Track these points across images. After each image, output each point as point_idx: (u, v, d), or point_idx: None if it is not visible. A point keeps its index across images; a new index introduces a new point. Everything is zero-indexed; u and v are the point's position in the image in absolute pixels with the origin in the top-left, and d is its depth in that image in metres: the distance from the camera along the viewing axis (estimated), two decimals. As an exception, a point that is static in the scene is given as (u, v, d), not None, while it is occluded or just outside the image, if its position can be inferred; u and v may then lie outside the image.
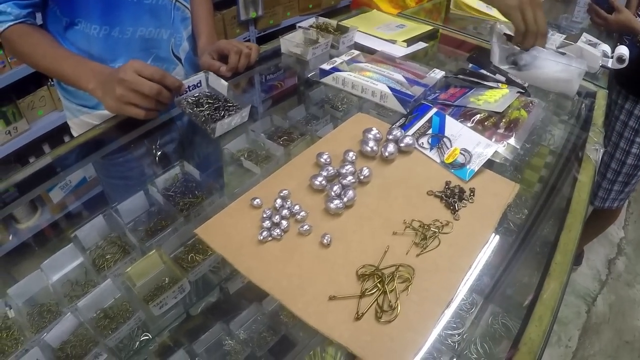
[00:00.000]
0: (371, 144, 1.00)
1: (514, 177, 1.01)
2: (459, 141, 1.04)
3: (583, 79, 1.31)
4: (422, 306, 0.74)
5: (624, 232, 3.18)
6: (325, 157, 0.98)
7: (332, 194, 0.89)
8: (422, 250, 0.82)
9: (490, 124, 1.09)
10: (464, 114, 1.12)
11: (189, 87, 1.19)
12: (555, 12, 2.26)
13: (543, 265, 0.84)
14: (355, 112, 1.19)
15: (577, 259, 2.85)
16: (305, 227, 0.84)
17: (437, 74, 1.27)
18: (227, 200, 0.95)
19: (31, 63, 1.19)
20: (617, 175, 2.22)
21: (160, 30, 1.28)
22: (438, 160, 1.01)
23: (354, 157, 0.98)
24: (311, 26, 1.53)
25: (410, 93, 1.17)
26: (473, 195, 0.93)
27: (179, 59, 1.37)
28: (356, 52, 1.37)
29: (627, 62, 1.45)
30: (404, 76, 1.24)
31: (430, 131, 1.07)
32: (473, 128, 1.08)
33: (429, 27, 1.67)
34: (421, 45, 1.59)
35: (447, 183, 0.95)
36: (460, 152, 1.00)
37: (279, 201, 0.89)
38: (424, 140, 1.05)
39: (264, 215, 0.86)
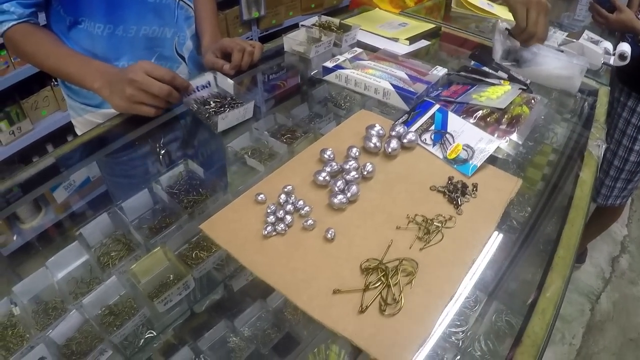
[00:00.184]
0: (374, 140, 1.01)
1: (516, 175, 1.01)
2: (462, 137, 1.04)
3: (585, 76, 1.32)
4: (426, 299, 0.74)
5: (628, 230, 3.18)
6: (328, 153, 0.98)
7: (336, 189, 0.90)
8: (426, 245, 0.82)
9: (493, 120, 1.10)
10: (466, 111, 1.13)
11: (197, 87, 1.20)
12: (558, 10, 2.25)
13: (546, 262, 0.84)
14: (358, 110, 1.20)
15: (581, 257, 2.84)
16: (309, 222, 0.85)
17: (440, 71, 1.27)
18: (231, 197, 0.95)
19: (35, 62, 1.20)
20: (619, 173, 2.22)
21: (163, 28, 1.29)
22: (441, 156, 1.02)
23: (357, 153, 0.99)
24: (314, 25, 1.53)
25: (412, 90, 1.17)
26: (476, 190, 0.93)
27: (183, 58, 1.38)
28: (359, 50, 1.38)
29: (629, 59, 1.45)
30: (406, 73, 1.24)
31: (432, 127, 1.07)
32: (475, 124, 1.09)
33: (432, 25, 1.68)
34: (424, 43, 1.59)
35: (450, 178, 0.95)
36: (462, 148, 1.01)
37: (283, 196, 0.89)
38: (427, 136, 1.06)
39: (268, 211, 0.87)
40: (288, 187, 0.91)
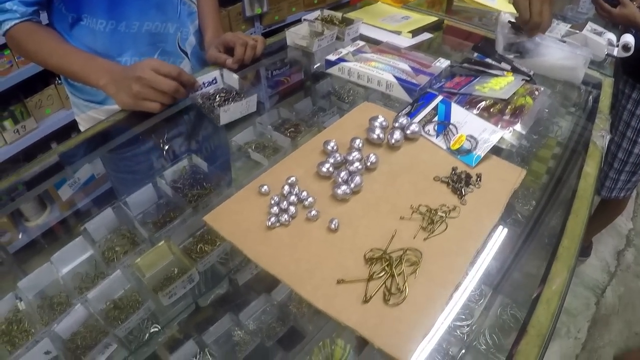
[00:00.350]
0: (377, 131, 1.01)
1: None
2: (465, 128, 1.04)
3: (589, 67, 1.31)
4: (430, 289, 0.74)
5: (633, 224, 3.17)
6: (332, 144, 0.98)
7: (340, 180, 0.90)
8: (430, 235, 0.82)
9: (496, 110, 1.10)
10: (469, 102, 1.13)
11: (204, 83, 1.21)
12: (561, 3, 2.24)
13: (551, 253, 0.84)
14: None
15: (586, 251, 2.83)
16: (313, 212, 0.85)
17: (443, 63, 1.27)
18: (235, 191, 0.95)
19: (38, 61, 1.20)
20: (624, 165, 2.21)
21: (166, 24, 1.29)
22: (444, 147, 1.02)
23: (360, 145, 0.98)
24: (316, 19, 1.53)
25: (415, 82, 1.17)
26: (479, 180, 0.93)
27: (186, 53, 1.38)
28: (361, 43, 1.38)
29: (632, 50, 1.45)
30: (409, 66, 1.24)
31: (436, 118, 1.07)
32: (479, 115, 1.08)
33: (434, 18, 1.68)
34: (426, 36, 1.59)
35: (454, 169, 0.95)
36: (466, 139, 1.01)
37: (286, 188, 0.90)
38: (430, 127, 1.05)
39: (272, 202, 0.87)
40: (291, 179, 0.91)
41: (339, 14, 1.56)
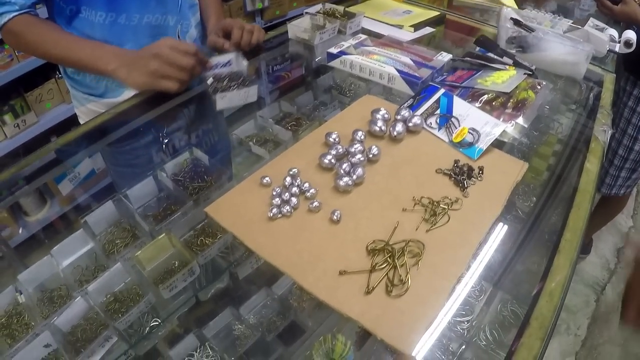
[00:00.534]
0: (379, 123, 1.01)
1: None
2: (467, 121, 1.03)
3: (591, 63, 1.31)
4: (433, 280, 0.74)
5: (633, 221, 3.16)
6: (334, 136, 0.98)
7: (341, 171, 0.89)
8: (432, 227, 0.82)
9: (498, 104, 1.09)
10: (471, 95, 1.12)
11: (218, 64, 1.20)
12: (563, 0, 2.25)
13: (551, 252, 0.84)
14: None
15: (586, 248, 2.83)
16: (315, 204, 0.84)
17: (445, 57, 1.27)
18: (236, 184, 0.95)
19: (41, 52, 1.19)
20: (624, 162, 2.21)
21: (166, 16, 1.29)
22: (446, 140, 1.01)
23: (362, 137, 0.98)
24: (318, 12, 1.53)
25: (417, 75, 1.17)
26: (482, 173, 0.93)
27: (186, 46, 1.38)
28: (363, 37, 1.37)
29: (634, 46, 1.44)
30: (411, 59, 1.24)
31: (438, 111, 1.07)
32: (481, 108, 1.08)
33: (436, 12, 1.67)
34: (428, 30, 1.58)
35: (456, 161, 0.95)
36: (468, 132, 1.00)
37: (288, 179, 0.89)
38: (432, 120, 1.05)
39: (274, 193, 0.87)
40: (293, 170, 0.91)
41: (340, 8, 1.56)
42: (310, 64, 1.46)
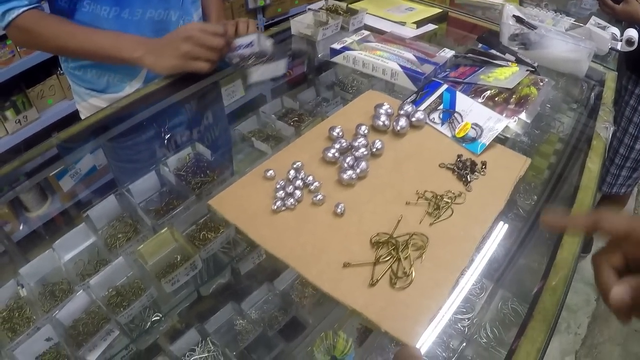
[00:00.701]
0: (383, 118, 1.01)
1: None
2: (470, 116, 1.04)
3: (592, 61, 1.31)
4: (436, 273, 0.74)
5: (633, 221, 3.16)
6: (337, 130, 0.98)
7: (345, 165, 0.89)
8: (436, 220, 0.82)
9: (501, 99, 1.10)
10: (474, 91, 1.12)
11: (241, 45, 1.23)
12: (565, -1, 2.25)
13: (553, 249, 0.84)
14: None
15: (587, 247, 2.83)
16: (319, 197, 0.84)
17: (447, 53, 1.27)
18: (238, 178, 0.95)
19: (56, 45, 1.18)
20: (625, 161, 2.21)
21: (169, 12, 1.29)
22: (449, 135, 1.01)
23: (366, 131, 0.98)
24: (321, 8, 1.53)
25: (420, 71, 1.17)
26: (485, 168, 0.93)
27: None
28: (366, 33, 1.37)
29: (636, 45, 1.44)
30: (414, 55, 1.24)
31: (441, 107, 1.07)
32: (484, 104, 1.08)
33: (439, 10, 1.67)
34: (431, 26, 1.58)
35: (459, 156, 0.95)
36: (471, 127, 1.00)
37: (292, 172, 0.89)
38: (435, 115, 1.05)
39: (278, 186, 0.87)
40: (297, 164, 0.91)
41: (343, 4, 1.56)
42: (312, 61, 1.46)
